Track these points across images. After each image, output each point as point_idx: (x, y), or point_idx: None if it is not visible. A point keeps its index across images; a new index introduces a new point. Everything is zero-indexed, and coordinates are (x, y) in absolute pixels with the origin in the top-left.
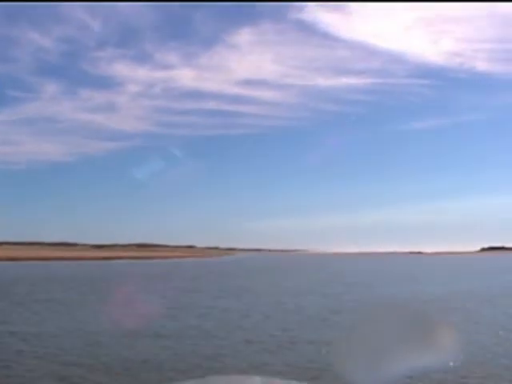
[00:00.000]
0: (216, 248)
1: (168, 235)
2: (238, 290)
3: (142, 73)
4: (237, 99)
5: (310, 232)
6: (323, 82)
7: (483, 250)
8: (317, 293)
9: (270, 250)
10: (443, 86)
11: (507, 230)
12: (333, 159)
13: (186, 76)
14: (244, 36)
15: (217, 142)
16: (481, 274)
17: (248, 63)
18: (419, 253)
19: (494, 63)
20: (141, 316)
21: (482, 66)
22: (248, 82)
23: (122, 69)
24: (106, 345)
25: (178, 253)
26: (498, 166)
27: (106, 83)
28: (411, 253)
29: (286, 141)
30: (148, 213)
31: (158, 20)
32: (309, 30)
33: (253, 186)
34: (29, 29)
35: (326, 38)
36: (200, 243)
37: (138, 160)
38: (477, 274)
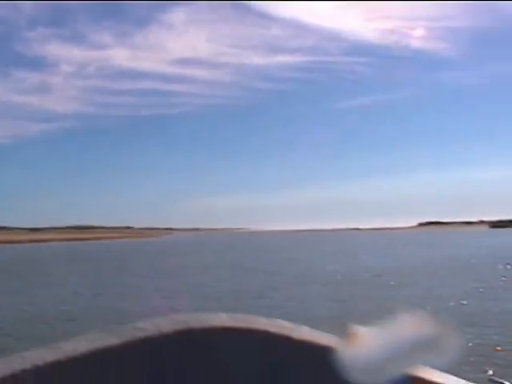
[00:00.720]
0: (154, 228)
1: (105, 217)
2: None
3: (76, 53)
4: (172, 78)
5: (250, 210)
6: (258, 60)
7: (420, 225)
8: (255, 270)
9: (208, 229)
10: (378, 63)
11: (443, 205)
12: (270, 137)
13: (120, 55)
14: (178, 15)
15: (153, 122)
16: (419, 247)
17: (183, 42)
18: (356, 229)
19: (429, 41)
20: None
21: (416, 43)
22: (183, 61)
23: (54, 49)
24: None
25: (115, 234)
26: (432, 142)
27: (39, 64)
28: (349, 229)
29: (222, 119)
30: (85, 194)
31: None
32: (243, 8)
33: (191, 165)
34: None
35: (261, 16)
36: (138, 224)
37: (74, 141)
38: (415, 247)
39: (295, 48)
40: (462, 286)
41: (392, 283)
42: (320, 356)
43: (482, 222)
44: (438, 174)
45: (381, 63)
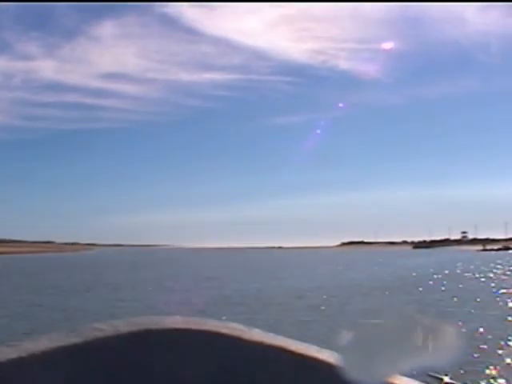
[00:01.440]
0: (76, 243)
1: (26, 231)
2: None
3: (2, 63)
4: (99, 92)
5: (176, 227)
6: (186, 76)
7: (343, 244)
8: (171, 289)
9: (131, 245)
10: (306, 83)
11: (366, 225)
12: (194, 155)
13: (47, 67)
14: (107, 28)
15: (78, 136)
16: (344, 266)
17: (111, 56)
18: (280, 247)
19: (356, 62)
20: None
21: (344, 64)
22: (110, 76)
23: None
24: None
25: (34, 248)
26: (356, 162)
27: None
28: (271, 248)
29: (149, 135)
30: (5, 207)
31: (18, 9)
32: (173, 24)
33: (114, 181)
34: None
35: (190, 32)
36: (59, 239)
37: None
38: (340, 266)
39: (223, 66)
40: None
41: (316, 303)
42: (271, 357)
43: (405, 243)
44: (361, 193)
45: (308, 83)
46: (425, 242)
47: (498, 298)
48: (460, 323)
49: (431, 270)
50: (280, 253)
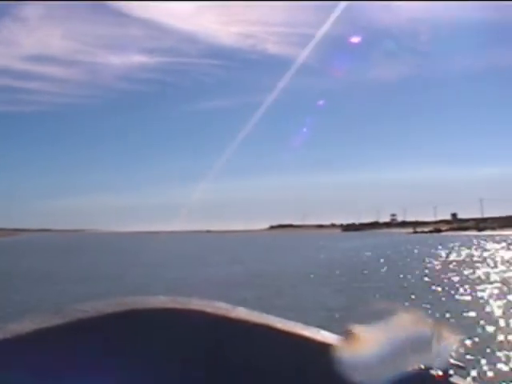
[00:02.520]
0: (1, 229)
1: None
2: None
3: None
4: (25, 75)
5: (102, 210)
6: (115, 59)
7: (272, 227)
8: (95, 276)
9: (60, 230)
10: (235, 66)
11: (295, 208)
12: (123, 138)
13: None
14: (33, 10)
15: (3, 120)
16: (279, 250)
17: (37, 38)
18: (208, 231)
19: (285, 46)
20: None
21: (273, 48)
22: (37, 58)
23: None
24: None
25: None
26: (283, 146)
27: None
28: (199, 231)
29: (76, 119)
30: None
31: None
32: (101, 6)
33: (42, 165)
34: None
35: (119, 15)
36: None
37: None
38: (276, 250)
39: (152, 49)
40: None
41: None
42: (258, 335)
43: (333, 226)
44: (289, 176)
45: (238, 67)
46: (354, 224)
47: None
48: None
49: (368, 254)
50: (208, 237)
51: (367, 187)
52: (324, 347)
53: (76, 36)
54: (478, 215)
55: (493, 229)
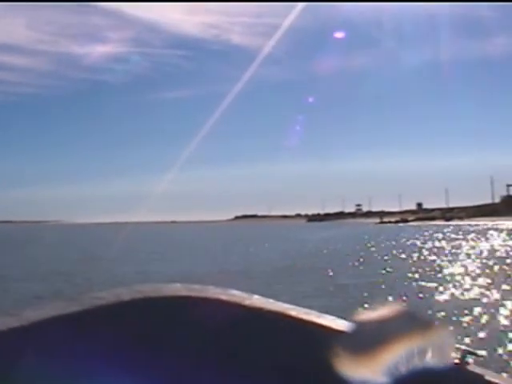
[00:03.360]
0: None
1: None
2: None
3: None
4: None
5: (64, 202)
6: (78, 49)
7: (237, 218)
8: (46, 272)
9: (22, 222)
10: (199, 57)
11: (259, 199)
12: (85, 127)
13: None
14: None
15: None
16: (246, 242)
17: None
18: (173, 222)
19: (250, 36)
20: None
21: (237, 38)
22: None
23: None
24: None
25: None
26: (248, 136)
27: None
28: (165, 222)
29: (39, 109)
30: None
31: None
32: None
33: (3, 155)
34: None
35: (82, 4)
36: None
37: None
38: (244, 243)
39: (116, 38)
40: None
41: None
42: (273, 323)
43: (298, 216)
44: (253, 167)
45: (201, 57)
46: (319, 215)
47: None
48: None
49: (340, 245)
50: (173, 227)
51: (332, 178)
52: (339, 335)
53: (39, 25)
54: (443, 205)
55: (460, 218)
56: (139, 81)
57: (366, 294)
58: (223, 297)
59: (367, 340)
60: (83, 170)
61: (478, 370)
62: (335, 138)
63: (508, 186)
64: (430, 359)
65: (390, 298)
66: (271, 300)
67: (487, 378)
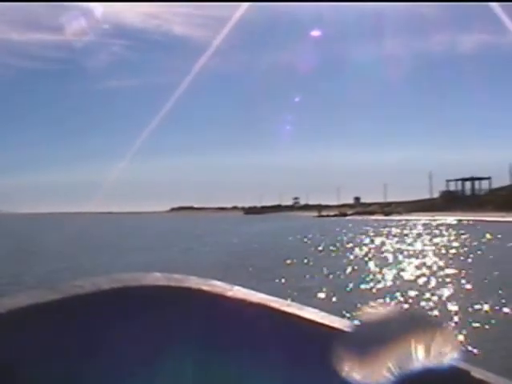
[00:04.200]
0: None
1: None
2: None
3: None
4: None
5: (5, 191)
6: (17, 36)
7: (173, 209)
8: None
9: None
10: (140, 47)
11: (196, 190)
12: (21, 116)
13: None
14: None
15: None
16: (192, 234)
17: None
18: (109, 213)
19: (191, 27)
20: None
21: (178, 29)
22: None
23: None
24: None
25: None
26: (187, 127)
27: None
28: (102, 213)
29: None
30: None
31: None
32: None
33: None
34: None
35: None
36: None
37: None
38: (189, 234)
39: (56, 26)
40: None
41: None
42: (255, 314)
43: (235, 208)
44: (190, 158)
45: (142, 47)
46: (256, 207)
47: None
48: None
49: (290, 238)
50: (109, 218)
51: (269, 171)
52: (320, 327)
53: None
54: (381, 200)
55: (399, 213)
56: (78, 69)
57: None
58: (204, 287)
59: (366, 338)
60: (24, 159)
61: (462, 365)
62: (272, 130)
63: (447, 181)
64: (431, 359)
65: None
66: (252, 291)
67: (473, 374)
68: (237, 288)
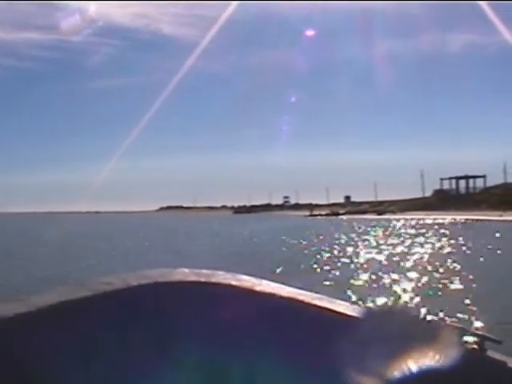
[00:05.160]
0: None
1: None
2: None
3: None
4: None
5: None
6: (4, 36)
7: (162, 208)
8: None
9: None
10: (129, 46)
11: (185, 190)
12: (6, 115)
13: None
14: None
15: None
16: (188, 237)
17: None
18: (97, 212)
19: (179, 27)
20: None
21: (167, 28)
22: None
23: None
24: None
25: None
26: (176, 128)
27: None
28: (89, 212)
29: None
30: None
31: None
32: None
33: None
34: None
35: None
36: None
37: None
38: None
39: (45, 26)
40: None
41: None
42: (285, 308)
43: (224, 207)
44: (178, 158)
45: (131, 46)
46: (245, 206)
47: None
48: None
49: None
50: (97, 218)
51: (258, 171)
52: (352, 320)
53: None
54: (371, 198)
55: (392, 212)
56: (66, 69)
57: None
58: (234, 282)
59: (381, 333)
60: (9, 159)
61: (497, 356)
62: (261, 130)
63: (441, 179)
64: (436, 357)
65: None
66: (282, 285)
67: (510, 365)
68: (265, 282)
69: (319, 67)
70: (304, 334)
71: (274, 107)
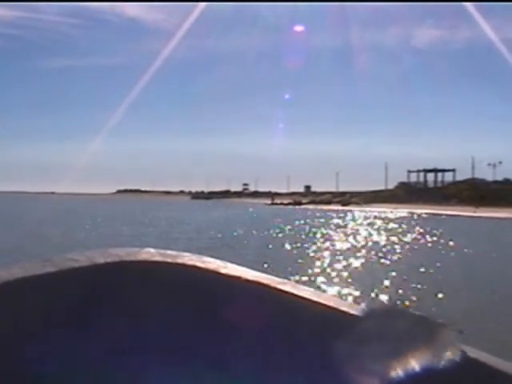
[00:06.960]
0: None
1: None
2: None
3: None
4: None
5: None
6: None
7: (119, 191)
8: None
9: None
10: (92, 27)
11: (143, 174)
12: None
13: None
14: None
15: None
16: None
17: None
18: (52, 193)
19: (143, 9)
20: None
21: (132, 11)
22: None
23: None
24: None
25: None
26: (136, 112)
27: None
28: (44, 193)
29: None
30: None
31: None
32: None
33: None
34: None
35: None
36: None
37: None
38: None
39: (8, 4)
40: None
41: None
42: (250, 291)
43: (182, 193)
44: (138, 141)
45: (94, 27)
46: (203, 192)
47: None
48: None
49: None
50: (52, 198)
51: (217, 157)
52: (314, 305)
53: None
54: (332, 189)
55: (357, 204)
56: (27, 47)
57: None
58: (199, 263)
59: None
60: None
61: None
62: (221, 117)
63: (409, 172)
64: (433, 358)
65: None
66: (247, 269)
67: (470, 354)
68: (231, 265)
69: (285, 56)
70: (267, 317)
71: (237, 96)
